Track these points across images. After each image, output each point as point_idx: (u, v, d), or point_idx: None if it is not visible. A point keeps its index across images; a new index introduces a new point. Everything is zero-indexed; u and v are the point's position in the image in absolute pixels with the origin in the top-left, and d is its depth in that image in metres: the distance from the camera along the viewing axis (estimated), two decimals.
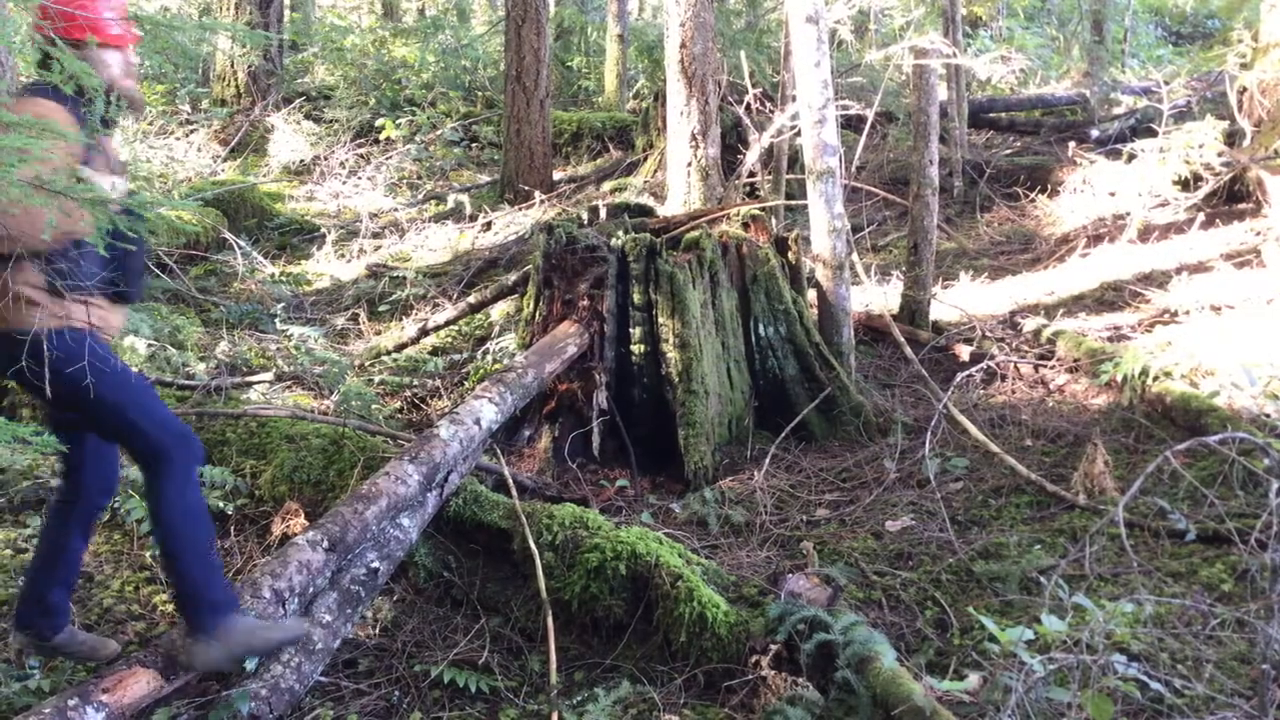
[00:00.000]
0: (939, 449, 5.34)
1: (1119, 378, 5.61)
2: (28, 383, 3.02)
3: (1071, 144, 10.78)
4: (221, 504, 4.51)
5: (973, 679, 3.37)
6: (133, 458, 3.23)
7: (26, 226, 2.80)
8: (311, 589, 3.60)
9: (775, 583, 4.02)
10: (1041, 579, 3.94)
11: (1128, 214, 8.73)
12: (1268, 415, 4.88)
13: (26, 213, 2.73)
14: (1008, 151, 11.80)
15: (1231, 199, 8.90)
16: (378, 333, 7.43)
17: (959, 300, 7.54)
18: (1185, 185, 8.68)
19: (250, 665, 3.32)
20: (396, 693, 3.64)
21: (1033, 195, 10.28)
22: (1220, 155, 8.47)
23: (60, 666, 3.57)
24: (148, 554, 4.31)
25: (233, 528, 4.56)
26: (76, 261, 3.01)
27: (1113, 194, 9.32)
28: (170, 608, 4.05)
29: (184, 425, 3.23)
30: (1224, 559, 4.02)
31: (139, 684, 2.96)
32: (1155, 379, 5.43)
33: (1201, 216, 8.48)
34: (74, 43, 2.87)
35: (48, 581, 3.33)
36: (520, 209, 10.40)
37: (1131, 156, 9.09)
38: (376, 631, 4.00)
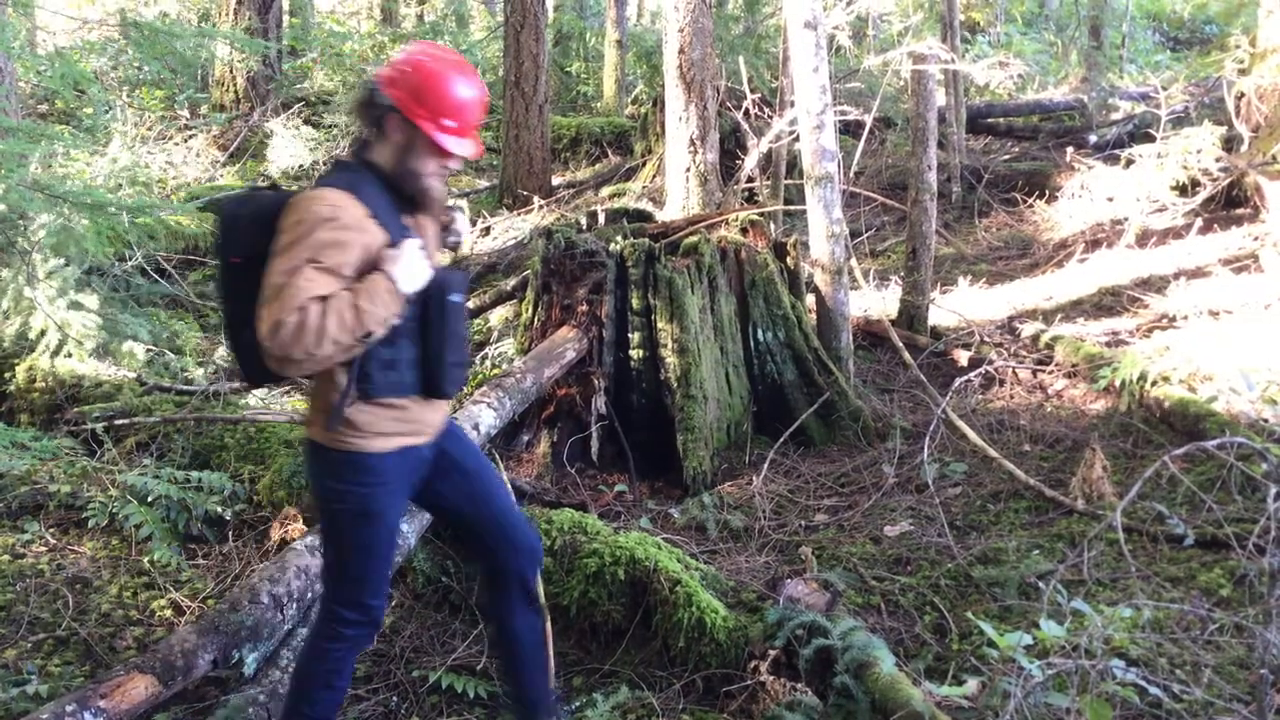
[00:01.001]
0: (937, 454, 5.34)
1: (1117, 383, 5.61)
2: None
3: (1069, 149, 10.80)
4: (220, 509, 4.51)
5: (971, 684, 3.37)
6: (323, 584, 2.99)
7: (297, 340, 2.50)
8: (310, 594, 3.59)
9: (774, 588, 4.02)
10: (1040, 584, 3.94)
11: (1126, 219, 8.74)
12: (1266, 420, 4.88)
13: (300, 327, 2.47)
14: (1006, 157, 11.81)
15: (1229, 204, 8.91)
16: None
17: (957, 305, 7.55)
18: (1183, 190, 8.69)
19: (249, 670, 3.32)
20: (395, 698, 3.64)
21: (1031, 200, 10.29)
22: (1218, 160, 8.48)
23: (58, 672, 3.57)
24: (146, 560, 4.30)
25: (231, 533, 4.56)
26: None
27: (1111, 199, 9.34)
28: (168, 612, 4.05)
29: (379, 614, 2.92)
30: (1222, 564, 4.02)
31: (137, 689, 2.96)
32: (1153, 384, 5.44)
33: (1199, 222, 8.49)
34: (407, 120, 2.65)
35: (520, 676, 3.15)
36: (519, 214, 10.40)
37: (1129, 162, 9.11)
38: (375, 638, 3.99)
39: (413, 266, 2.60)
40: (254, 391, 5.87)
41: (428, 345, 2.73)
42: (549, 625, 3.77)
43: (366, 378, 2.66)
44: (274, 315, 2.45)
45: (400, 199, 2.72)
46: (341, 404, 2.64)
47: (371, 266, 2.57)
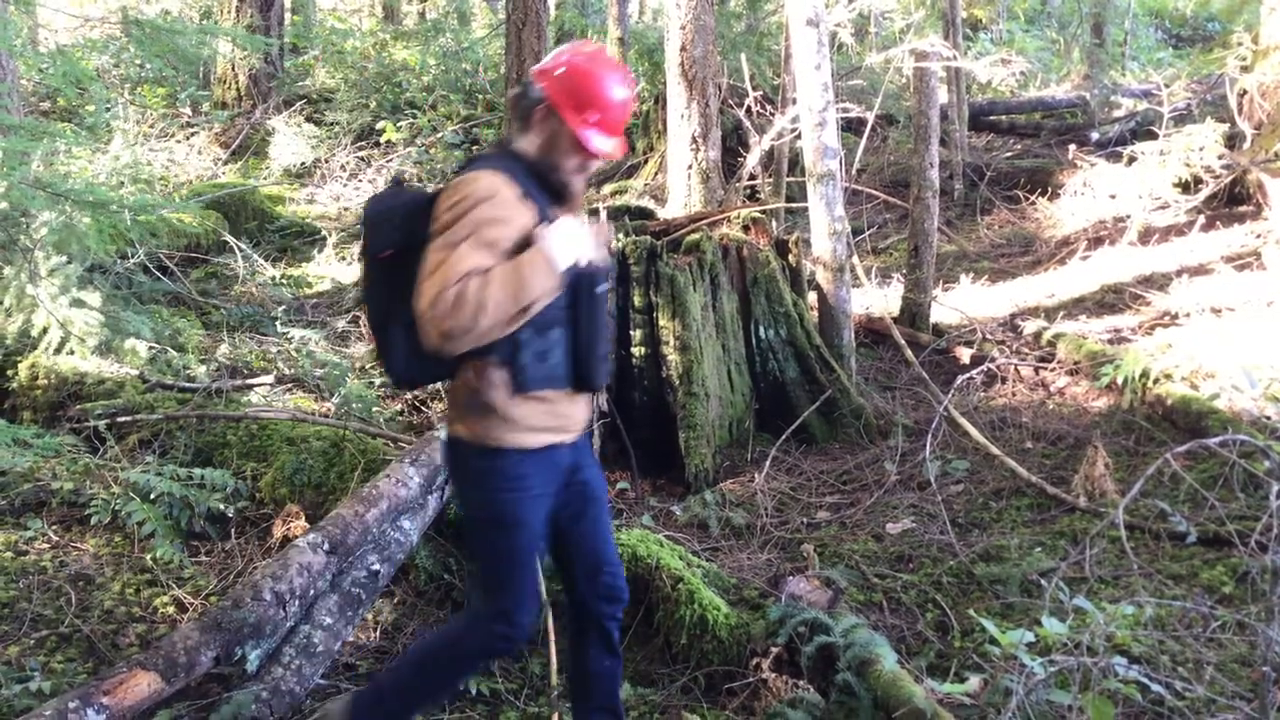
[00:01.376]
0: (939, 451, 5.34)
1: (1119, 380, 5.61)
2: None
3: (1072, 147, 10.79)
4: (222, 506, 4.51)
5: (974, 681, 3.37)
6: (474, 585, 2.96)
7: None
8: (312, 591, 3.60)
9: (776, 585, 4.03)
10: (1042, 581, 3.94)
11: (1128, 216, 8.74)
12: (1268, 417, 4.88)
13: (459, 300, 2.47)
14: (1008, 154, 11.81)
15: (1232, 201, 8.90)
16: None
17: (959, 303, 7.54)
18: (1185, 188, 8.69)
19: (252, 667, 3.32)
20: None
21: (1033, 198, 10.29)
22: (1220, 158, 8.47)
23: (61, 669, 3.57)
24: (148, 557, 4.31)
25: (233, 530, 4.56)
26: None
27: (1113, 196, 9.33)
28: (170, 609, 4.05)
29: (525, 630, 2.84)
30: (1225, 561, 4.02)
31: (140, 686, 2.96)
32: (1156, 381, 5.43)
33: (1202, 219, 8.48)
34: (554, 113, 2.67)
35: (584, 710, 3.07)
36: None
37: (1132, 159, 9.10)
38: (377, 634, 4.00)
39: (570, 241, 2.60)
40: (257, 390, 5.88)
41: (579, 335, 2.72)
42: (551, 622, 3.78)
43: (520, 369, 2.64)
44: (434, 288, 2.46)
45: (546, 188, 2.72)
46: (493, 394, 2.64)
47: (527, 245, 2.58)
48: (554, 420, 2.74)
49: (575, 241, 2.62)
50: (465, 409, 2.71)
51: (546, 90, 2.67)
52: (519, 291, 2.50)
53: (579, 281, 2.68)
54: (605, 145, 2.70)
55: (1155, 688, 2.75)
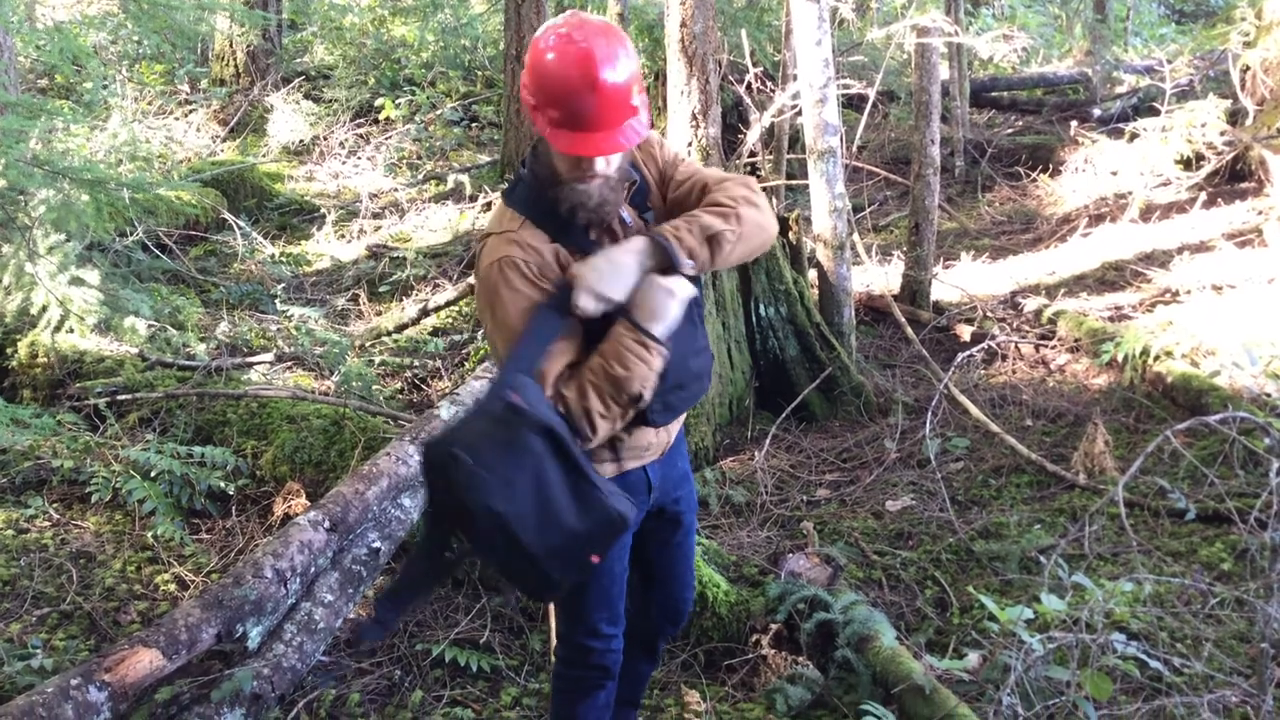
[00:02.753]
0: (939, 429, 5.34)
1: (1120, 357, 5.60)
2: None
3: (1073, 123, 10.73)
4: (223, 484, 4.52)
5: (972, 658, 3.38)
6: (558, 621, 2.76)
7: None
8: (313, 569, 3.61)
9: (775, 562, 4.04)
10: (1041, 558, 3.95)
11: (1129, 193, 8.71)
12: (1269, 394, 4.88)
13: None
14: (1009, 131, 11.75)
15: (1234, 178, 8.87)
16: (378, 313, 7.42)
17: (960, 280, 7.53)
18: (1187, 164, 8.65)
19: (253, 644, 3.33)
20: (398, 671, 3.66)
21: (1034, 175, 10.25)
22: (1223, 134, 8.43)
23: (63, 646, 3.59)
24: (149, 534, 4.32)
25: (234, 508, 4.57)
26: None
27: (1114, 173, 9.29)
28: (172, 587, 4.06)
29: (618, 642, 2.68)
30: (1224, 538, 4.03)
31: (141, 663, 2.98)
32: (1156, 359, 5.43)
33: (1203, 196, 8.45)
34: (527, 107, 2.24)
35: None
36: None
37: (1134, 135, 9.06)
38: None
39: (667, 293, 2.25)
40: (256, 368, 5.88)
41: None
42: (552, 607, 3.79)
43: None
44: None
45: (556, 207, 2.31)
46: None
47: (563, 276, 2.25)
48: (616, 453, 2.44)
49: (671, 291, 2.26)
50: None
51: (525, 104, 2.23)
52: (618, 390, 2.23)
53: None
54: (574, 144, 2.17)
55: (1154, 664, 2.76)
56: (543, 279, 2.23)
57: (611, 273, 2.24)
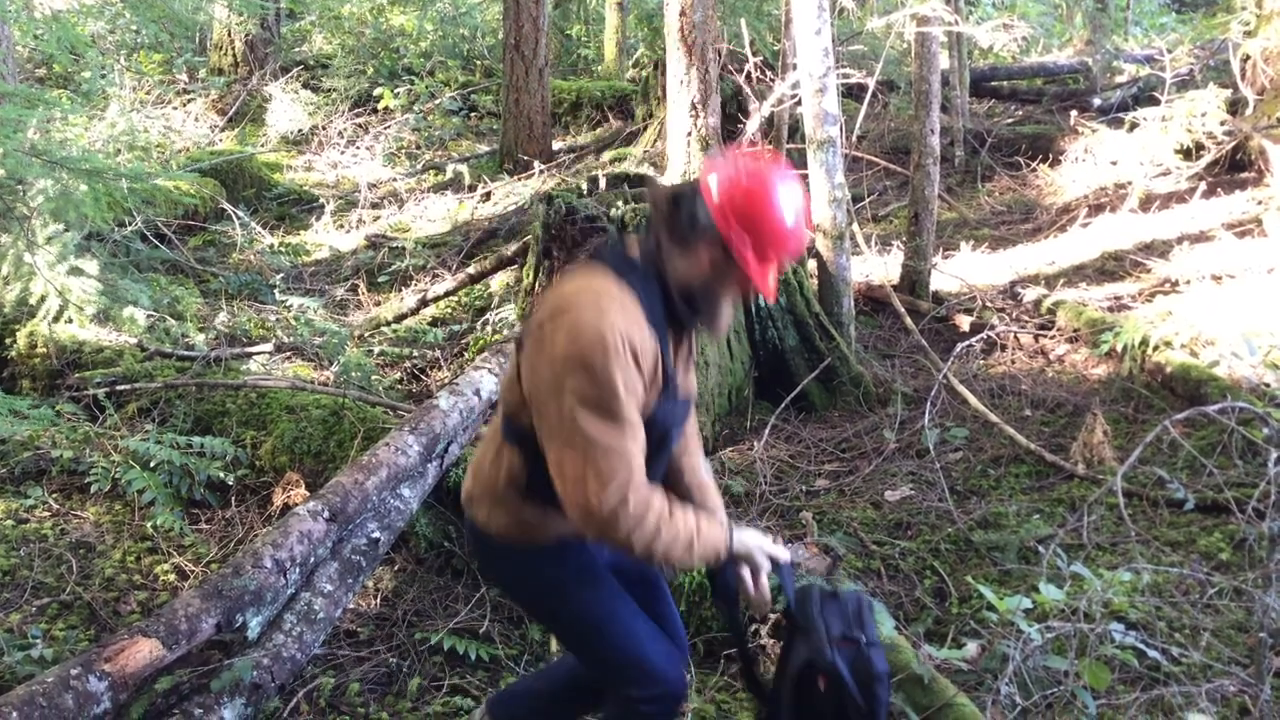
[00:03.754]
0: (938, 419, 5.34)
1: (1119, 347, 5.60)
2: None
3: (1073, 113, 10.72)
4: (222, 474, 4.52)
5: (971, 647, 3.39)
6: (603, 683, 2.64)
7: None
8: (313, 559, 3.61)
9: None
10: (1040, 548, 3.96)
11: (1129, 183, 8.70)
12: (1267, 385, 4.88)
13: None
14: (1009, 120, 11.74)
15: (1234, 168, 8.86)
16: (377, 303, 7.42)
17: (959, 270, 7.52)
18: (1187, 154, 8.64)
19: (253, 634, 3.34)
20: (396, 660, 3.67)
21: (1034, 164, 10.24)
22: (1223, 124, 8.42)
23: (63, 636, 3.59)
24: (149, 524, 4.32)
25: (233, 498, 4.57)
26: None
27: (1114, 163, 9.28)
28: (171, 577, 4.07)
29: (676, 682, 2.52)
30: (1222, 528, 4.04)
31: (141, 653, 2.98)
32: (1155, 349, 5.43)
33: (1203, 185, 8.45)
34: (727, 250, 2.24)
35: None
36: (519, 179, 10.36)
37: (1134, 125, 9.05)
38: (378, 601, 4.02)
39: (755, 546, 2.43)
40: (255, 358, 5.87)
41: None
42: None
43: (539, 485, 2.31)
44: (605, 490, 2.15)
45: (671, 311, 2.33)
46: (509, 494, 2.39)
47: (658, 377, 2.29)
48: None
49: (760, 548, 2.42)
50: (488, 499, 2.45)
51: (721, 224, 2.24)
52: (687, 552, 2.27)
53: (652, 427, 2.28)
54: (770, 284, 2.30)
55: (1152, 653, 2.76)
56: (642, 367, 2.21)
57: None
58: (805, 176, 6.39)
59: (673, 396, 2.34)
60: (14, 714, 2.61)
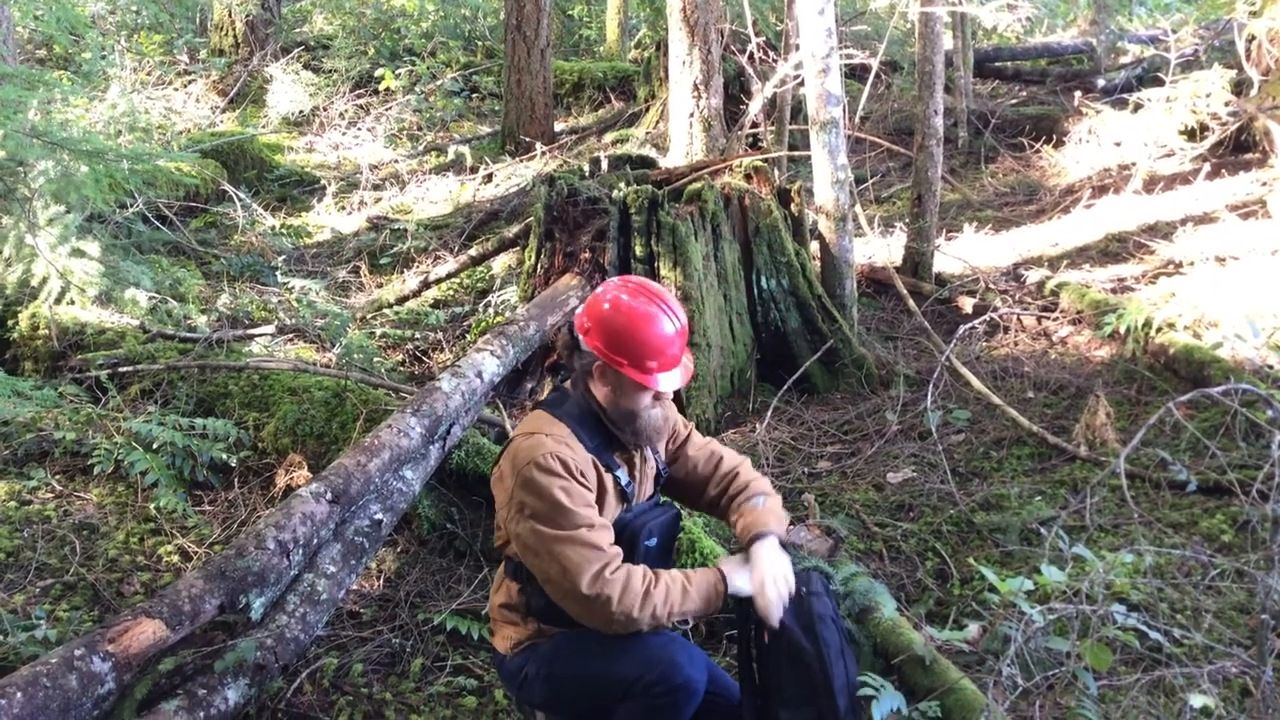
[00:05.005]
0: (941, 401, 5.34)
1: (1122, 329, 5.60)
2: None
3: (1077, 94, 10.67)
4: (225, 456, 4.53)
5: (972, 629, 3.39)
6: None
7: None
8: (316, 540, 3.61)
9: None
10: (1042, 530, 3.96)
11: (1133, 164, 8.67)
12: (1271, 366, 4.87)
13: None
14: (1013, 101, 11.69)
15: (1238, 149, 8.83)
16: (379, 285, 7.41)
17: (962, 252, 7.51)
18: (1191, 135, 8.61)
19: (256, 615, 3.34)
20: (399, 640, 3.68)
21: (1038, 146, 10.20)
22: (1227, 105, 8.38)
23: (67, 617, 3.60)
24: (152, 506, 4.33)
25: (236, 480, 4.58)
26: None
27: (1118, 144, 9.25)
28: (175, 558, 4.08)
29: (695, 682, 2.53)
30: (1224, 510, 4.04)
31: (145, 634, 2.98)
32: (1158, 330, 5.42)
33: (1207, 167, 8.42)
34: (611, 368, 2.61)
35: None
36: (521, 161, 10.33)
37: (1138, 106, 9.01)
38: (380, 582, 4.03)
39: (759, 575, 2.60)
40: (257, 340, 5.87)
41: None
42: None
43: (539, 604, 2.63)
44: (587, 571, 2.43)
45: (611, 436, 2.69)
46: (515, 617, 2.70)
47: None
48: None
49: (766, 575, 2.58)
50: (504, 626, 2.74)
51: (594, 348, 2.61)
52: (682, 603, 2.50)
53: (621, 532, 2.61)
54: (670, 382, 2.64)
55: (1154, 635, 2.76)
56: (584, 480, 2.54)
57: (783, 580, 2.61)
58: (808, 158, 6.38)
59: (631, 506, 2.70)
60: (18, 694, 2.62)
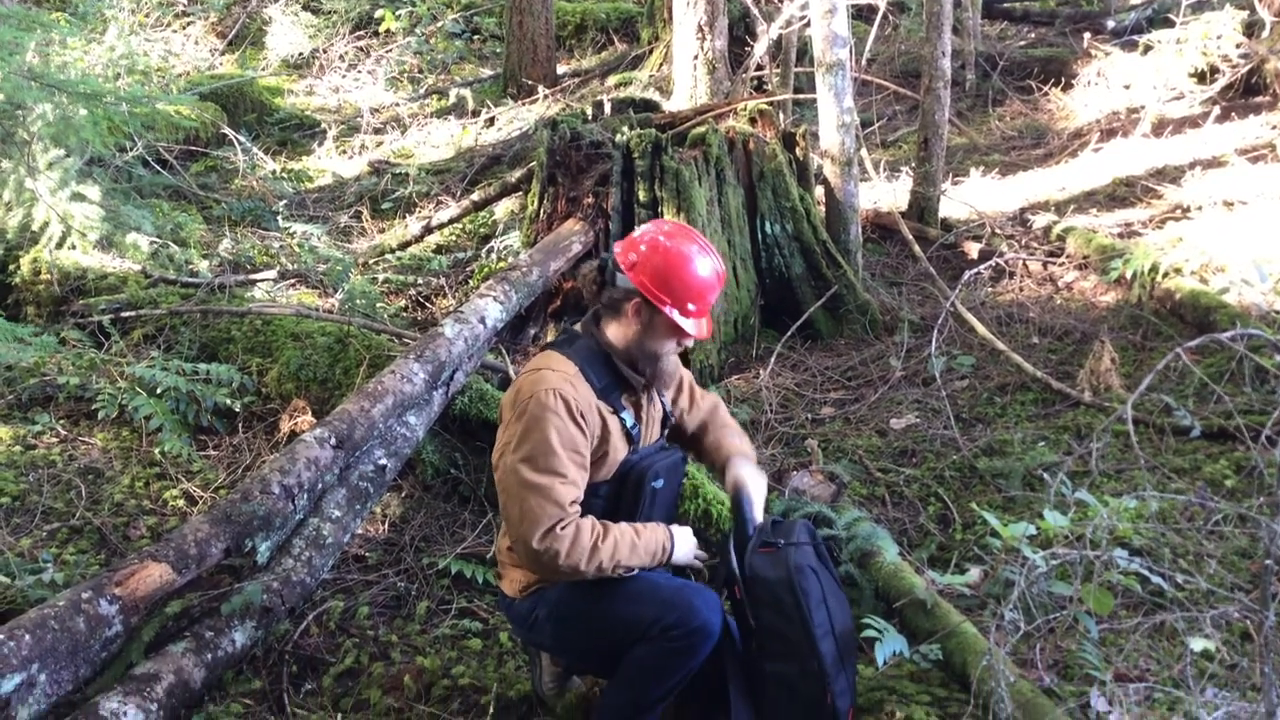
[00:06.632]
0: (945, 347, 5.33)
1: (1128, 274, 5.57)
2: None
3: (1087, 35, 10.53)
4: (229, 401, 4.53)
5: (974, 573, 3.41)
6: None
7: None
8: (320, 485, 3.63)
9: (780, 480, 4.05)
10: (1045, 475, 3.96)
11: (1142, 107, 8.57)
12: (1278, 312, 4.85)
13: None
14: (1022, 43, 11.53)
15: (1248, 92, 8.72)
16: (381, 231, 7.37)
17: (969, 197, 7.44)
18: (1201, 78, 8.51)
19: (262, 559, 3.37)
20: (404, 583, 3.70)
21: (1046, 89, 10.08)
22: (1238, 47, 8.27)
23: (73, 561, 3.63)
24: (157, 451, 4.34)
25: (240, 425, 4.59)
26: None
27: (1127, 87, 9.14)
28: (180, 503, 4.09)
29: (710, 621, 2.55)
30: (1228, 455, 4.04)
31: (151, 577, 3.01)
32: (1165, 276, 5.39)
33: (1217, 110, 8.32)
34: (650, 305, 2.61)
35: None
36: (523, 104, 10.23)
37: (1148, 48, 8.90)
38: (385, 527, 4.05)
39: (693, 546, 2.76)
40: (260, 285, 5.85)
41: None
42: None
43: None
44: (543, 523, 2.46)
45: (622, 377, 2.70)
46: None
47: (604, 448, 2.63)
48: None
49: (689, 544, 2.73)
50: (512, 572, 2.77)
51: (639, 283, 2.60)
52: (629, 557, 2.54)
53: (626, 475, 2.68)
54: (700, 330, 2.67)
55: (1155, 579, 2.77)
56: (584, 422, 2.54)
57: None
58: (814, 101, 6.30)
59: (638, 449, 2.72)
60: (26, 636, 2.64)
